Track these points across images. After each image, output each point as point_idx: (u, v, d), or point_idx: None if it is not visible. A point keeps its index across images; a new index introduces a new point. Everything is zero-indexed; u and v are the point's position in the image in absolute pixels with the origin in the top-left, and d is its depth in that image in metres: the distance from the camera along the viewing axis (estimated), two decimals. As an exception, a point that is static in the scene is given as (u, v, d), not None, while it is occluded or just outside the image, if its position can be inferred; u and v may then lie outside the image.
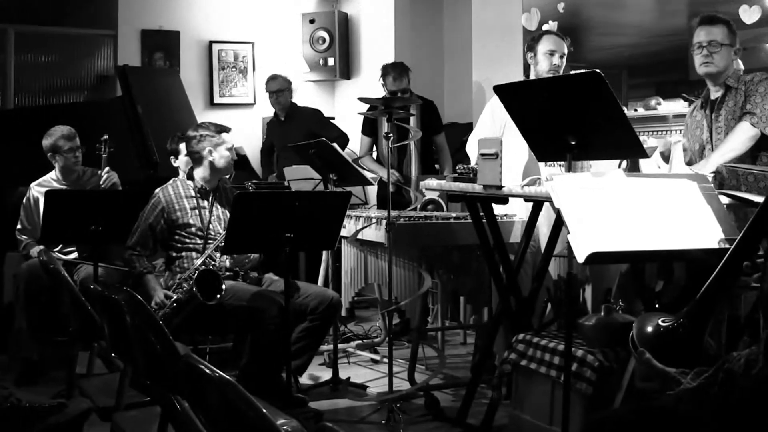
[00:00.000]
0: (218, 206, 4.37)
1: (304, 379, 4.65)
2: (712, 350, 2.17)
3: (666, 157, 3.94)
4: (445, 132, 6.23)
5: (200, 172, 4.37)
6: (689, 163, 3.94)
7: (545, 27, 6.33)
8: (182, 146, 4.81)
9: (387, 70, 5.92)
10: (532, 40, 4.57)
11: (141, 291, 4.10)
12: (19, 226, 5.04)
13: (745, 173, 3.69)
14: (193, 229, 4.27)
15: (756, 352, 1.83)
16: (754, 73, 3.87)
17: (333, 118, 7.31)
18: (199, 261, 4.16)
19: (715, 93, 3.88)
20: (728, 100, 3.81)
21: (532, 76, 4.50)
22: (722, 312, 3.05)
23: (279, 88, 6.65)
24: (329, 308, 4.25)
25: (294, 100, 6.83)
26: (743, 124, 3.70)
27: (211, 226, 4.30)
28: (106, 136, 5.13)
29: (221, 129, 4.40)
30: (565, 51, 4.49)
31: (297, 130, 6.41)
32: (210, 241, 4.26)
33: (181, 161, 4.96)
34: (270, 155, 6.96)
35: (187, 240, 4.27)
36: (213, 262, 4.19)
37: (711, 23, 3.83)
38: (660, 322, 2.08)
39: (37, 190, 5.02)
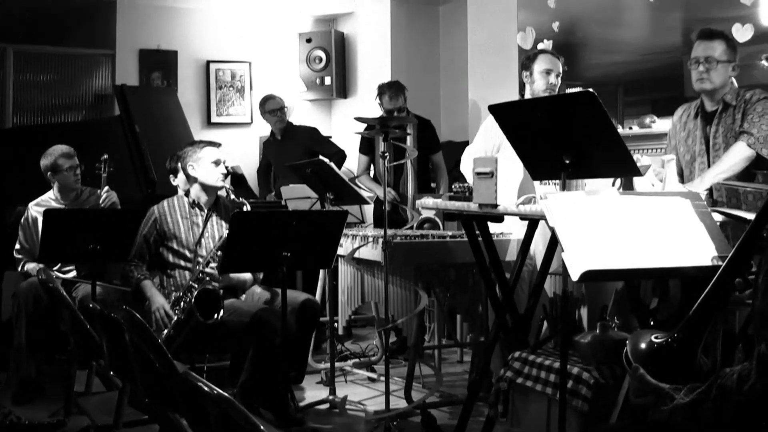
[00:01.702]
0: (215, 221, 4.39)
1: (301, 397, 4.65)
2: (706, 367, 2.18)
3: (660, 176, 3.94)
4: (442, 150, 6.26)
5: (193, 189, 4.45)
6: (680, 174, 3.93)
7: (540, 46, 6.35)
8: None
9: (383, 89, 5.95)
10: (527, 58, 4.59)
11: (139, 304, 4.12)
12: (17, 246, 5.05)
13: (745, 192, 3.68)
14: (183, 241, 4.30)
15: (748, 367, 1.85)
16: (753, 90, 3.79)
17: (330, 137, 7.34)
18: (192, 278, 4.17)
19: (711, 107, 3.83)
20: (726, 116, 3.76)
21: (527, 95, 4.53)
22: (716, 329, 3.07)
23: (280, 106, 6.71)
24: (300, 313, 4.26)
25: (290, 119, 6.88)
26: (740, 144, 3.67)
27: (203, 241, 4.32)
28: (105, 156, 5.16)
29: (204, 144, 4.47)
30: (561, 70, 4.53)
31: (294, 149, 6.45)
32: (200, 257, 4.27)
33: (180, 180, 4.97)
34: (267, 174, 6.99)
35: (177, 255, 4.29)
36: (207, 279, 4.20)
37: (709, 38, 3.76)
38: (653, 338, 2.10)
39: (35, 210, 5.04)
